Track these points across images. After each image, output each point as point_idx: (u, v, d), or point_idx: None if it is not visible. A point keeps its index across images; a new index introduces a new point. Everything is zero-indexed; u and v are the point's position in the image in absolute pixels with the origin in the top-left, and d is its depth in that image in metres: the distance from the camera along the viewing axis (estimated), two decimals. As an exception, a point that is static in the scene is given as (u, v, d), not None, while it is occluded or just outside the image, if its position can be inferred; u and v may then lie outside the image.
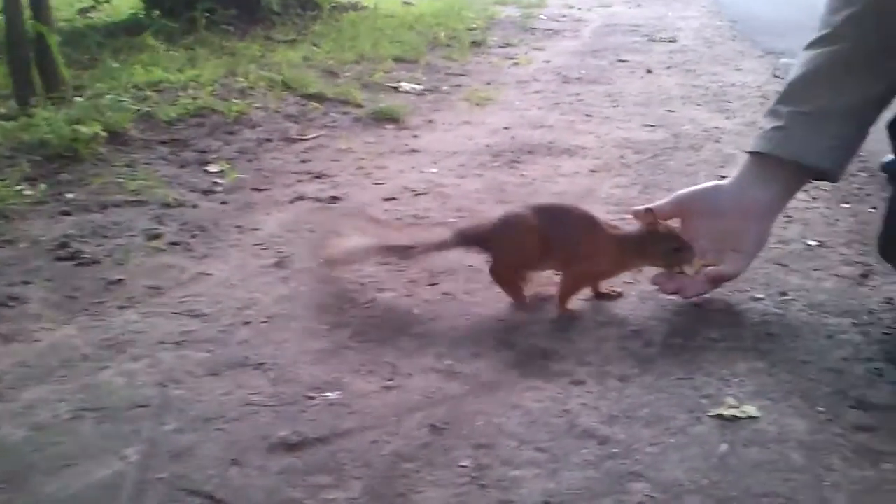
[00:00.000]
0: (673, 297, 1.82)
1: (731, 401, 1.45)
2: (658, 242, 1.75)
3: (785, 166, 1.76)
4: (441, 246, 1.88)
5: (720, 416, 1.41)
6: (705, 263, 1.81)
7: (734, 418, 1.40)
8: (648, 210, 1.76)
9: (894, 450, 1.32)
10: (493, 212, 2.03)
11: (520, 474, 1.28)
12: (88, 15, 6.24)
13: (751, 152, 1.81)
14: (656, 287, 1.81)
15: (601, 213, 1.98)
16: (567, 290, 1.82)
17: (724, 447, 1.33)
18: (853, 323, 1.73)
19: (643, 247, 1.76)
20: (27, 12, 3.48)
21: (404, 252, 1.90)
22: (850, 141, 1.75)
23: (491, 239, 1.83)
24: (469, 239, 1.86)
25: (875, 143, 2.02)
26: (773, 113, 1.79)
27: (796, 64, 1.80)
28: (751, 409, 1.42)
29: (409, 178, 2.80)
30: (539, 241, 1.78)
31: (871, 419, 1.40)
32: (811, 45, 1.77)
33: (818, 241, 2.16)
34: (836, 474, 1.26)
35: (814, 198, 2.51)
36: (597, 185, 2.66)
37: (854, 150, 1.77)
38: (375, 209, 2.48)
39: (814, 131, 1.72)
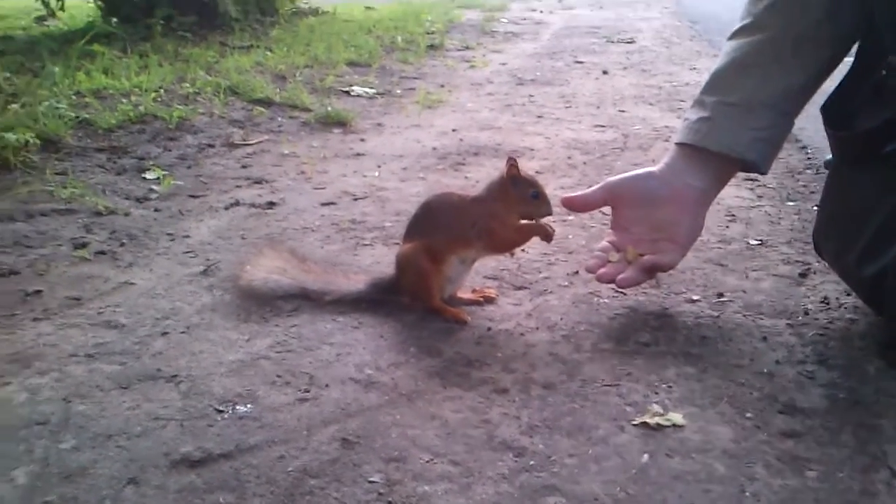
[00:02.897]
0: (609, 285, 1.78)
1: (656, 408, 1.39)
2: (519, 186, 1.71)
3: (713, 157, 1.72)
4: (355, 295, 1.84)
5: (644, 425, 1.35)
6: (640, 253, 1.75)
7: (658, 426, 1.35)
8: (511, 158, 1.71)
9: (819, 456, 1.27)
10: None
11: (430, 490, 1.21)
12: (45, 23, 6.15)
13: (678, 143, 1.77)
14: (591, 275, 1.76)
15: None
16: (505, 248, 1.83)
17: (645, 457, 1.27)
18: (788, 324, 1.69)
19: (505, 191, 1.72)
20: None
21: (318, 296, 1.84)
22: (776, 132, 1.71)
23: (398, 283, 1.81)
24: (382, 288, 1.83)
25: (822, 140, 1.99)
26: (699, 103, 1.75)
27: (721, 54, 1.76)
28: (676, 417, 1.37)
29: (350, 183, 2.74)
30: (424, 255, 1.74)
31: (798, 424, 1.35)
32: (735, 35, 1.73)
33: (759, 240, 2.12)
34: (759, 483, 1.21)
35: (759, 196, 2.47)
36: (541, 186, 2.60)
37: (780, 140, 1.73)
38: (312, 214, 2.41)
39: (739, 122, 1.68)
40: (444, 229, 1.75)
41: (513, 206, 1.73)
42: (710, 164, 1.73)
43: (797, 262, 1.99)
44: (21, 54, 4.66)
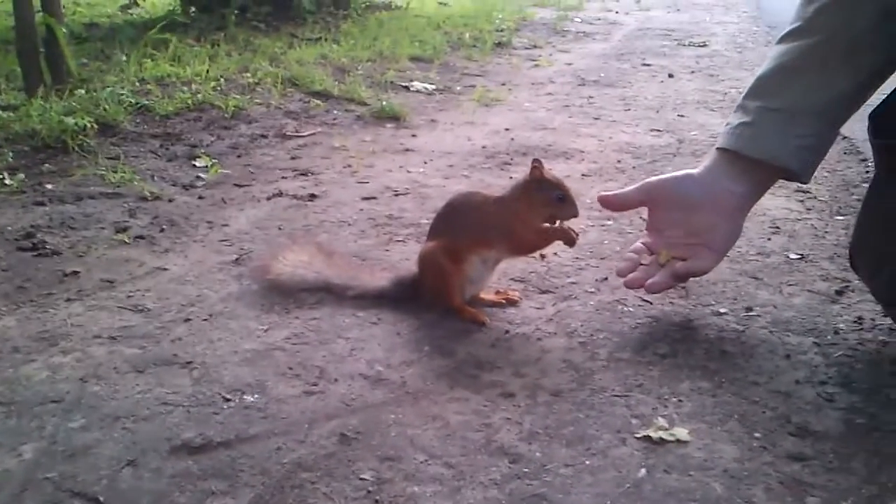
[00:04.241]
0: (638, 290, 1.74)
1: (661, 422, 1.36)
2: (543, 189, 1.69)
3: (753, 164, 1.66)
4: (378, 292, 1.84)
5: (647, 438, 1.32)
6: (675, 256, 1.71)
7: (661, 441, 1.31)
8: (536, 160, 1.69)
9: (825, 482, 1.22)
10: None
11: (419, 490, 1.21)
12: (129, 11, 6.33)
13: (718, 148, 1.72)
14: (620, 280, 1.73)
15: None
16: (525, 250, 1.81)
17: (642, 472, 1.24)
18: (815, 342, 1.63)
19: (529, 192, 1.70)
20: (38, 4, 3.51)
21: (341, 290, 1.85)
22: (820, 140, 1.64)
23: (420, 283, 1.80)
24: (405, 286, 1.83)
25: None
26: (741, 108, 1.69)
27: (768, 57, 1.70)
28: (681, 433, 1.33)
29: (394, 178, 2.74)
30: (445, 255, 1.73)
31: (808, 448, 1.30)
32: (783, 39, 1.67)
33: (800, 255, 2.05)
34: (755, 506, 1.17)
35: (808, 209, 2.39)
36: (585, 189, 2.57)
37: (824, 149, 1.66)
38: (351, 208, 2.43)
39: (782, 130, 1.62)
40: (465, 229, 1.74)
41: (536, 208, 1.71)
42: (751, 170, 1.68)
43: (836, 279, 1.91)
44: (102, 41, 4.81)
